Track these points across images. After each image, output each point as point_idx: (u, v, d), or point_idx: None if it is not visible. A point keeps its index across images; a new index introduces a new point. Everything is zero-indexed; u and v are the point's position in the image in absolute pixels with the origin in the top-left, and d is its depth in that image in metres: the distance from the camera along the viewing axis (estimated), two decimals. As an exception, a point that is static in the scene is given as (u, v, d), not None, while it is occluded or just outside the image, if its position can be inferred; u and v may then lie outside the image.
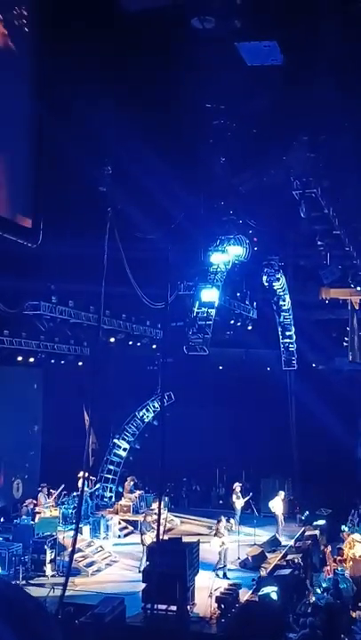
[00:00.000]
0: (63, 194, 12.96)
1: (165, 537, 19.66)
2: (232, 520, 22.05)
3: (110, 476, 25.58)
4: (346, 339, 26.71)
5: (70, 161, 12.32)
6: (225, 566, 18.89)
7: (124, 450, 25.91)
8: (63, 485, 22.09)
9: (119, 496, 25.05)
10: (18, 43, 7.31)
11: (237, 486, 24.17)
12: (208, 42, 9.89)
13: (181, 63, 10.79)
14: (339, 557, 19.56)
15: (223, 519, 20.15)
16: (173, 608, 15.52)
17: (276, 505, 23.19)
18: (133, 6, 9.17)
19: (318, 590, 17.17)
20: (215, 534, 19.46)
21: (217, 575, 18.47)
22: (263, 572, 18.67)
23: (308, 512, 24.76)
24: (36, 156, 7.25)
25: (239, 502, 23.61)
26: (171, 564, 15.33)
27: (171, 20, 9.52)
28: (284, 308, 25.82)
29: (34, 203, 7.23)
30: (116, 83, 11.15)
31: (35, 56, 7.62)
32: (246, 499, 23.59)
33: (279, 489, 26.67)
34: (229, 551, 19.97)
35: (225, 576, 18.45)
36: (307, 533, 22.92)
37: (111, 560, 20.24)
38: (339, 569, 18.34)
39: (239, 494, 23.55)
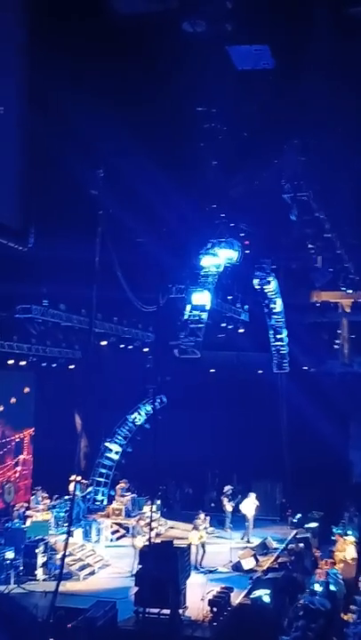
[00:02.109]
0: (55, 197, 12.96)
1: (157, 540, 19.69)
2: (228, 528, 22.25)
3: (102, 480, 25.54)
4: (337, 341, 26.79)
5: (62, 163, 12.32)
6: (216, 569, 18.90)
7: (116, 453, 25.87)
8: (57, 496, 22.06)
9: (111, 499, 25.01)
10: (5, 43, 7.31)
11: (229, 489, 24.19)
12: (199, 45, 9.90)
13: (172, 66, 10.81)
14: (330, 560, 19.57)
15: (202, 514, 20.38)
16: (166, 611, 15.51)
17: (247, 507, 23.00)
18: (124, 9, 9.17)
19: (310, 593, 17.17)
20: (193, 528, 19.88)
21: (196, 569, 18.63)
22: (253, 575, 18.68)
23: (300, 515, 24.77)
24: (26, 159, 7.24)
25: (230, 505, 23.62)
26: (163, 568, 15.33)
27: (162, 23, 9.54)
28: (275, 311, 25.86)
29: (24, 205, 7.23)
30: (107, 85, 11.17)
31: (23, 57, 7.61)
32: (231, 503, 23.62)
33: (272, 491, 26.72)
34: (221, 554, 20.02)
35: (208, 572, 18.52)
36: (299, 536, 22.92)
37: (103, 564, 20.20)
38: (331, 571, 18.35)
39: (230, 497, 23.56)
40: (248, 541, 22.15)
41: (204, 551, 19.90)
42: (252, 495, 23.23)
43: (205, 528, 20.84)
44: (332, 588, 17.23)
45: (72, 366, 25.57)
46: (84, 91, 10.76)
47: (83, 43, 9.76)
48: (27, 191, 7.21)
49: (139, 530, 19.83)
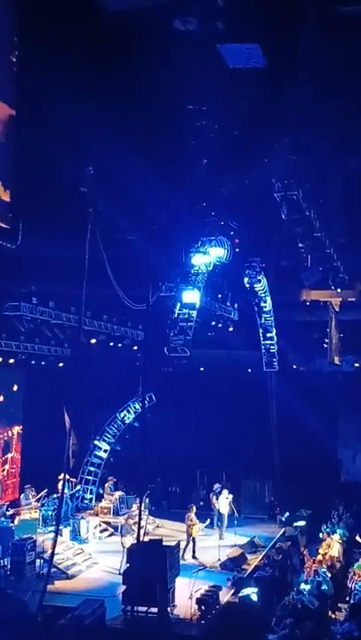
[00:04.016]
0: (45, 194, 12.91)
1: (145, 539, 19.67)
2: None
3: (91, 478, 25.48)
4: (326, 340, 26.83)
5: (51, 162, 12.27)
6: (205, 567, 18.91)
7: (105, 451, 25.82)
8: (46, 490, 21.98)
9: (99, 498, 24.97)
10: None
11: (217, 487, 24.19)
12: (190, 43, 9.88)
13: (164, 64, 10.78)
14: (317, 558, 19.63)
15: (193, 507, 20.97)
16: (154, 610, 15.49)
17: (221, 503, 22.88)
18: (115, 6, 9.14)
19: (299, 591, 17.20)
20: (190, 521, 20.36)
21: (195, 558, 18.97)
22: (241, 573, 18.71)
23: (288, 513, 24.82)
24: (15, 157, 7.21)
25: (218, 504, 23.61)
26: (151, 566, 15.30)
27: (153, 21, 9.50)
28: (265, 309, 25.86)
29: (12, 203, 7.19)
30: (97, 83, 11.13)
31: (13, 55, 7.58)
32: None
33: (261, 490, 26.73)
34: (209, 552, 20.05)
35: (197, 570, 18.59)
36: (287, 534, 22.96)
37: (91, 562, 20.16)
38: (321, 570, 18.40)
39: (218, 496, 23.54)
40: (221, 538, 22.12)
41: (194, 543, 20.28)
42: (225, 491, 23.16)
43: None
44: (321, 586, 17.27)
45: (61, 364, 25.51)
46: (74, 88, 10.71)
47: (73, 40, 9.72)
48: (15, 189, 7.18)
49: (127, 528, 19.79)
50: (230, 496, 22.93)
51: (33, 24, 8.02)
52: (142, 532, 18.51)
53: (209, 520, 21.89)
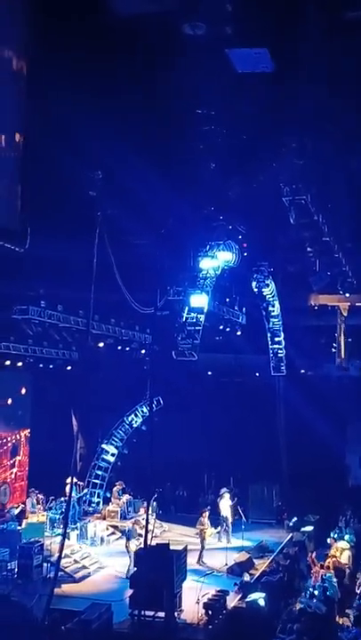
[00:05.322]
0: (53, 198, 12.94)
1: (153, 543, 19.66)
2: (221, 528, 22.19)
3: (98, 482, 25.49)
4: (334, 345, 26.80)
5: (60, 165, 12.31)
6: (212, 572, 18.88)
7: (113, 455, 25.83)
8: (53, 497, 22.01)
9: (107, 501, 24.97)
10: (6, 47, 7.31)
11: (225, 492, 24.12)
12: (199, 48, 9.90)
13: (172, 69, 10.80)
14: (325, 563, 19.58)
15: (206, 512, 21.05)
16: (161, 614, 15.47)
17: (224, 507, 22.72)
18: (124, 11, 9.16)
19: (306, 596, 17.15)
20: (201, 525, 20.57)
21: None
22: (247, 578, 18.64)
23: (296, 518, 24.74)
24: (22, 162, 7.24)
25: (226, 508, 23.53)
26: (158, 571, 15.29)
27: (162, 25, 9.53)
28: (273, 313, 25.85)
29: (20, 207, 7.22)
30: (106, 87, 11.16)
31: (22, 59, 7.61)
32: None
33: (269, 494, 26.64)
34: (217, 556, 20.01)
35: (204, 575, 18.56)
36: (294, 539, 22.90)
37: (98, 566, 20.15)
38: (327, 575, 18.34)
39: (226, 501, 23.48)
40: (228, 542, 22.03)
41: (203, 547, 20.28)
42: (227, 495, 23.06)
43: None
44: (329, 592, 17.22)
45: (69, 367, 25.53)
46: (83, 92, 10.75)
47: (82, 44, 9.75)
48: (23, 193, 7.21)
49: (134, 532, 19.77)
50: (231, 500, 22.86)
51: (40, 28, 8.05)
52: (150, 535, 18.54)
53: (220, 527, 21.86)
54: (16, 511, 21.88)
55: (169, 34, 9.75)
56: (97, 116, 11.41)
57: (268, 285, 24.15)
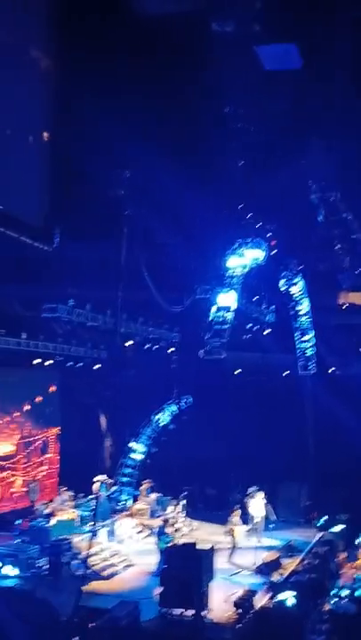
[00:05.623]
0: (82, 198, 13.00)
1: (181, 541, 19.68)
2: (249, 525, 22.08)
3: (127, 480, 25.58)
4: (364, 344, 26.54)
5: (88, 165, 12.36)
6: (240, 571, 18.84)
7: (141, 453, 25.89)
8: (82, 495, 22.12)
9: (135, 499, 25.03)
10: (35, 47, 7.36)
11: (253, 490, 24.04)
12: (228, 45, 9.87)
13: (200, 68, 10.79)
14: (354, 564, 19.42)
15: (237, 510, 20.95)
16: (189, 613, 15.47)
17: (254, 506, 22.46)
18: (154, 10, 9.17)
19: (335, 597, 17.01)
20: (231, 525, 20.48)
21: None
22: (276, 577, 18.56)
23: (325, 517, 24.56)
24: (50, 161, 7.27)
25: (254, 507, 23.45)
26: (186, 569, 15.29)
27: (190, 24, 9.51)
28: (301, 312, 25.69)
29: (49, 206, 7.25)
30: (134, 86, 11.18)
31: (52, 58, 7.64)
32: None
33: (297, 494, 26.49)
34: (245, 555, 19.95)
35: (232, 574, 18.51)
36: (324, 539, 22.72)
37: (127, 563, 20.21)
38: (357, 575, 18.19)
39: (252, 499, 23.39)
40: (257, 541, 21.92)
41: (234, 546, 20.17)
42: (258, 494, 22.90)
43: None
44: (357, 592, 17.06)
45: (97, 366, 25.65)
46: (111, 92, 10.78)
47: (109, 44, 9.78)
48: (51, 192, 7.24)
49: (163, 530, 19.80)
50: (264, 499, 22.76)
51: (68, 29, 8.08)
52: (178, 534, 18.59)
53: (250, 525, 21.78)
54: (46, 509, 22.01)
55: (197, 32, 9.75)
56: (124, 115, 11.44)
57: (296, 284, 24.01)
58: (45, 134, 7.65)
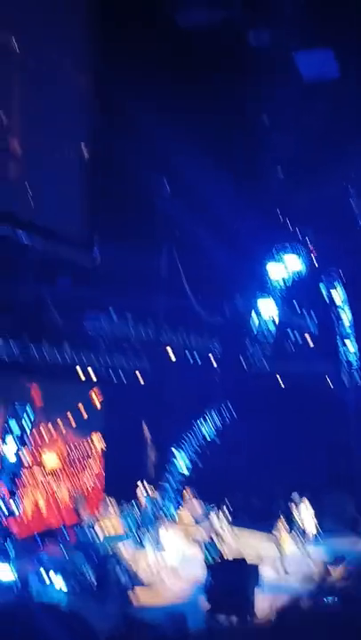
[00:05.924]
0: (122, 208, 13.12)
1: (225, 550, 19.60)
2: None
3: (170, 489, 25.59)
4: None
5: (129, 175, 12.48)
6: (285, 581, 18.69)
7: (184, 463, 25.89)
8: (127, 504, 22.20)
9: (179, 508, 25.01)
10: (77, 59, 7.48)
11: (301, 501, 23.82)
12: (265, 55, 9.91)
13: (239, 77, 10.84)
14: None
15: (283, 520, 20.80)
16: (236, 623, 15.38)
17: (300, 516, 22.21)
18: (191, 22, 9.27)
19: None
20: (281, 536, 20.37)
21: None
22: (323, 587, 18.34)
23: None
24: (93, 172, 7.37)
25: (300, 517, 23.26)
26: (233, 581, 15.23)
27: (228, 33, 9.58)
28: (344, 321, 25.46)
29: (90, 217, 7.35)
30: (175, 97, 11.27)
31: (90, 73, 7.76)
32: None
33: (344, 503, 26.18)
34: (292, 566, 19.80)
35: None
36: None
37: (172, 574, 20.18)
38: None
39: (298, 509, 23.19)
40: (305, 550, 21.71)
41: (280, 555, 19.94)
42: (303, 504, 22.69)
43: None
44: None
45: (140, 376, 25.74)
46: (152, 102, 10.88)
47: (150, 56, 9.90)
48: (92, 204, 7.33)
49: (206, 539, 19.74)
50: (310, 508, 22.56)
51: (112, 42, 8.21)
52: (222, 544, 18.46)
53: (296, 535, 21.61)
54: (92, 520, 22.13)
55: (235, 42, 9.81)
56: (166, 125, 11.54)
57: (338, 291, 23.80)
58: (84, 147, 7.76)
